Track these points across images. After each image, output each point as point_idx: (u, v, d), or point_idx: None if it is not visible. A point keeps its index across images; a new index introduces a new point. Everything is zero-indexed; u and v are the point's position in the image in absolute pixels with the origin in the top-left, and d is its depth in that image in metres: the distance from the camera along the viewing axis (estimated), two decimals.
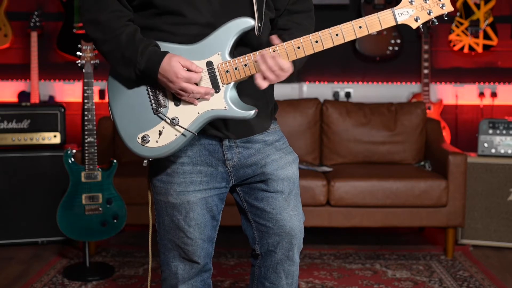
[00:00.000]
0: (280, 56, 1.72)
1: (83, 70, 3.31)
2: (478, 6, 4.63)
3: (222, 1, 1.78)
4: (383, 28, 1.69)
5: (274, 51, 1.72)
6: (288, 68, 1.75)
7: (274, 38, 1.76)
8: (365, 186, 3.65)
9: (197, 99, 1.75)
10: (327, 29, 1.71)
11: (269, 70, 1.72)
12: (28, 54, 4.64)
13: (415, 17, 1.69)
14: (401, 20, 1.69)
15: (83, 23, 1.84)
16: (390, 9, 1.69)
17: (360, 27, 1.69)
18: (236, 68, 1.74)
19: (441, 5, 1.68)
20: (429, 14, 1.68)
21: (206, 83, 1.76)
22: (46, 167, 3.81)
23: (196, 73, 1.73)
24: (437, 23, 1.69)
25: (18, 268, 3.50)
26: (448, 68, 4.81)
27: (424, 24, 1.70)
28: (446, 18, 1.71)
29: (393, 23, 1.69)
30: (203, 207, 1.90)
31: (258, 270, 2.03)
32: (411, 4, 1.68)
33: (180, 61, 1.72)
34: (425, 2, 1.68)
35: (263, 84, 1.75)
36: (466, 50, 4.67)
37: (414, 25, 1.70)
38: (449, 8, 1.68)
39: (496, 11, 4.68)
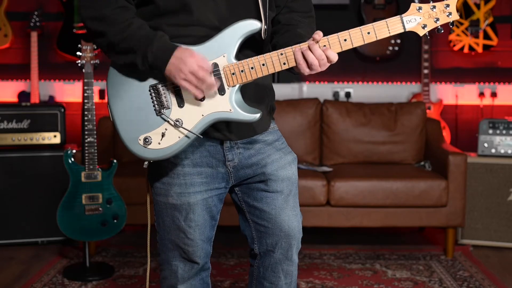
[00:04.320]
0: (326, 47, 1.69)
1: (83, 70, 3.31)
2: (478, 6, 4.63)
3: (228, 5, 1.77)
4: (391, 34, 1.70)
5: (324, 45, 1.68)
6: (335, 60, 1.71)
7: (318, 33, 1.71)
8: (365, 186, 3.65)
9: (200, 96, 1.72)
10: (335, 34, 1.70)
11: (316, 60, 1.69)
12: (28, 54, 4.64)
13: (422, 25, 1.71)
14: (409, 27, 1.71)
15: (83, 20, 1.77)
16: (399, 16, 1.70)
17: (368, 33, 1.69)
18: (242, 71, 1.72)
19: (447, 14, 1.70)
20: (436, 22, 1.71)
21: None
22: (46, 167, 3.81)
23: (208, 63, 1.70)
24: (442, 31, 1.70)
25: (18, 268, 3.50)
26: (448, 68, 4.81)
27: (429, 31, 1.72)
28: (451, 26, 1.72)
29: (401, 30, 1.71)
30: (203, 208, 1.89)
31: (257, 270, 2.03)
32: (419, 11, 1.70)
33: (194, 52, 1.70)
34: (432, 10, 1.70)
35: (306, 71, 1.72)
36: (466, 50, 4.67)
37: (421, 32, 1.72)
38: (455, 16, 1.70)
39: (496, 11, 4.68)
